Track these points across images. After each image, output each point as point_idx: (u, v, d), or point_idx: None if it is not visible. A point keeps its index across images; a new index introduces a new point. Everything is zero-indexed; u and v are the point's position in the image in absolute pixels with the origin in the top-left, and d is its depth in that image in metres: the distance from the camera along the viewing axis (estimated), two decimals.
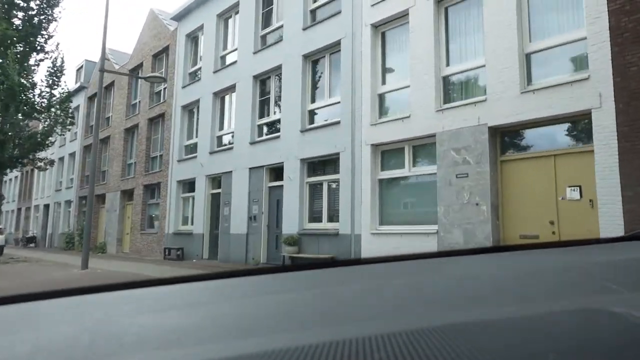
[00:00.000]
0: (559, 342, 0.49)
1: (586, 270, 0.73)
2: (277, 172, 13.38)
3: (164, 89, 19.46)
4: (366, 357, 0.45)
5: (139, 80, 21.36)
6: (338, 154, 11.38)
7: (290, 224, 12.31)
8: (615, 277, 0.69)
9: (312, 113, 12.68)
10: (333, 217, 11.63)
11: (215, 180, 15.81)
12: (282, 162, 12.86)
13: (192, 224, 16.42)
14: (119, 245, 21.15)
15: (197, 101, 16.90)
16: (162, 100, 19.34)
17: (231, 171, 14.68)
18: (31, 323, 0.59)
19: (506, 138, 8.63)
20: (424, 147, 9.86)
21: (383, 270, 0.79)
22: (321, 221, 11.85)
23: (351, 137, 11.07)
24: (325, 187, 11.89)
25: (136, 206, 19.90)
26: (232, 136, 15.15)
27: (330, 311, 0.60)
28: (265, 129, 14.25)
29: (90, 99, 25.92)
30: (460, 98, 9.22)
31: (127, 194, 21.22)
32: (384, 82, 10.87)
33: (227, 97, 15.95)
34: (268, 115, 14.03)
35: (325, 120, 12.07)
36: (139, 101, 21.12)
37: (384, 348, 0.47)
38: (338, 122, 11.47)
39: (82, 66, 28.98)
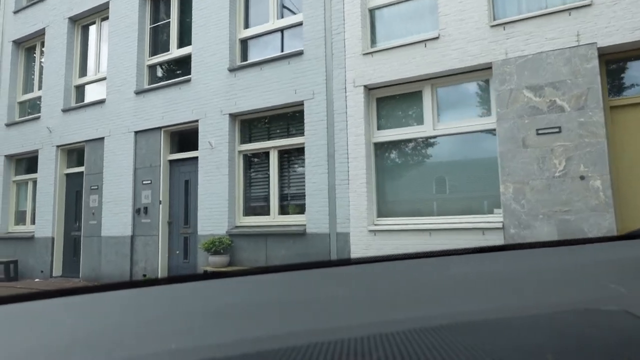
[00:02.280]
0: (558, 341, 0.49)
1: (586, 269, 0.72)
2: (185, 136, 8.49)
3: None
4: (364, 357, 0.45)
5: None
6: (301, 103, 7.05)
7: (212, 220, 7.63)
8: (614, 276, 0.68)
9: (245, 43, 8.09)
10: (290, 207, 7.28)
11: (74, 154, 10.16)
12: (196, 121, 8.05)
13: (33, 222, 10.48)
14: None
15: (41, 32, 10.90)
16: None
17: (103, 138, 9.29)
18: (31, 323, 0.57)
19: (624, 69, 5.27)
20: (462, 88, 6.09)
21: (380, 270, 0.75)
22: (268, 214, 7.40)
23: (325, 75, 6.83)
24: (274, 158, 7.46)
25: None
26: (104, 85, 9.69)
27: (328, 311, 0.59)
28: (162, 71, 9.18)
29: None
30: (539, 5, 5.62)
31: None
32: None
33: (93, 26, 10.34)
34: (167, 50, 8.98)
35: (276, 53, 7.60)
36: None
37: (382, 347, 0.47)
38: (300, 54, 7.12)
39: None
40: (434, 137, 6.15)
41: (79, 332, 0.53)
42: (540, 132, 5.27)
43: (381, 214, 6.39)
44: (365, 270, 0.75)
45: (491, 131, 5.74)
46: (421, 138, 6.24)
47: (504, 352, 0.48)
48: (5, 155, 11.06)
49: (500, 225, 5.38)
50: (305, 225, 6.76)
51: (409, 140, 6.34)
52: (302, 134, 7.11)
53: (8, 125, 11.12)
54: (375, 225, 6.27)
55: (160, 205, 8.36)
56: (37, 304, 0.62)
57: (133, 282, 0.68)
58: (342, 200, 6.46)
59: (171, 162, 8.54)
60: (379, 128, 6.57)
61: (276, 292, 0.67)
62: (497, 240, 5.34)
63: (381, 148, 6.54)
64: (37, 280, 9.76)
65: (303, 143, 7.00)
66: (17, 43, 11.50)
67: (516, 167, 5.37)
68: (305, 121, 6.96)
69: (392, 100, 6.54)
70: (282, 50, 7.53)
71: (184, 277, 0.70)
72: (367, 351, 0.47)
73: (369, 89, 6.56)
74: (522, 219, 5.28)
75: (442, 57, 5.95)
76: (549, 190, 5.17)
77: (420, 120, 6.27)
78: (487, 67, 5.71)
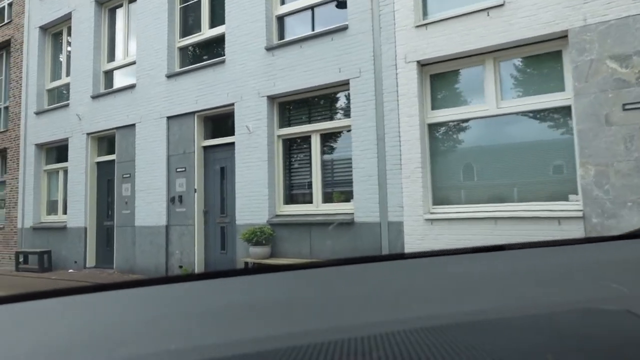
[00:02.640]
0: (558, 341, 0.49)
1: (586, 269, 0.72)
2: (220, 121, 8.09)
3: (9, 4, 12.53)
4: (365, 356, 0.45)
5: None
6: (347, 83, 6.53)
7: (251, 209, 7.23)
8: (615, 276, 0.68)
9: (281, 20, 7.58)
10: (335, 195, 6.82)
11: (105, 141, 9.89)
12: (232, 104, 7.62)
13: (65, 212, 10.30)
14: None
15: (68, 17, 10.59)
16: (5, 21, 12.40)
17: (134, 124, 8.96)
18: (31, 323, 0.57)
19: None
20: (530, 61, 5.49)
21: (380, 270, 0.75)
22: (311, 202, 6.96)
23: (373, 52, 6.29)
24: (316, 142, 6.98)
25: None
26: (134, 69, 9.33)
27: (329, 311, 0.59)
28: (193, 53, 8.76)
29: None
30: None
31: None
32: None
33: (120, 9, 9.96)
34: (199, 30, 8.55)
35: (317, 30, 7.07)
36: None
37: (382, 347, 0.47)
38: (344, 29, 6.59)
39: None
40: (497, 116, 5.57)
41: (79, 332, 0.53)
42: (627, 107, 4.65)
43: (437, 201, 5.87)
44: (365, 270, 0.74)
45: (565, 108, 5.13)
46: (482, 117, 5.67)
47: (504, 352, 0.47)
48: (36, 144, 10.88)
49: (579, 214, 4.81)
50: (353, 214, 6.29)
51: (468, 121, 5.78)
52: (347, 115, 6.61)
53: (37, 113, 10.91)
54: (432, 213, 5.77)
55: (196, 194, 8.01)
56: (37, 304, 0.61)
57: (132, 281, 0.67)
58: (394, 187, 5.96)
59: (206, 148, 8.15)
60: (433, 108, 6.02)
61: (276, 292, 0.67)
62: (576, 231, 4.78)
63: (436, 129, 6.00)
64: (70, 270, 9.58)
65: (349, 126, 6.51)
66: (44, 29, 11.23)
67: (598, 148, 4.78)
68: (351, 102, 6.45)
69: (448, 77, 5.98)
70: (321, 27, 6.99)
71: (182, 277, 0.70)
72: (367, 351, 0.46)
73: (422, 64, 6.00)
74: (607, 207, 4.70)
75: (509, 26, 5.34)
76: (639, 174, 4.57)
77: (480, 98, 5.70)
78: (562, 36, 5.09)
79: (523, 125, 5.47)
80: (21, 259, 10.26)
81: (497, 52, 5.55)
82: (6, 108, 12.15)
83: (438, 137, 5.99)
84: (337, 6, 7.00)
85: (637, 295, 0.60)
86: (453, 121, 5.87)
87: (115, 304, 0.63)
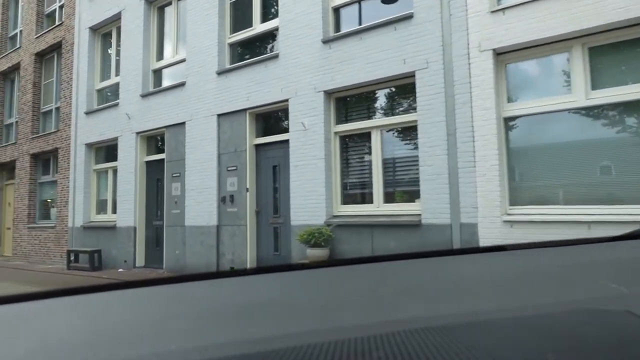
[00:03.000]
0: (558, 341, 0.49)
1: (586, 269, 0.71)
2: (272, 118, 7.82)
3: (60, 6, 12.71)
4: (364, 356, 0.45)
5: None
6: (412, 75, 6.11)
7: (307, 209, 6.91)
8: (615, 276, 0.67)
9: (337, 12, 7.23)
10: (397, 195, 6.41)
11: (154, 140, 9.81)
12: (286, 100, 7.33)
13: (114, 211, 10.28)
14: None
15: (117, 17, 10.59)
16: (57, 23, 12.58)
17: (184, 122, 8.81)
18: (31, 323, 0.57)
19: None
20: (625, 46, 4.92)
21: (382, 270, 0.75)
22: (371, 202, 6.57)
23: (442, 41, 5.85)
24: (377, 139, 6.59)
25: (20, 187, 13.08)
26: (183, 67, 9.18)
27: (329, 311, 0.58)
28: (243, 49, 8.53)
29: None
30: None
31: (6, 169, 14.22)
32: None
33: (170, 7, 9.86)
34: (250, 25, 8.31)
35: (378, 20, 6.67)
36: (21, 30, 14.04)
37: (382, 348, 0.46)
38: (409, 17, 6.17)
39: None
40: (587, 108, 5.03)
41: (79, 332, 0.53)
42: None
43: (517, 201, 5.38)
44: (366, 270, 0.74)
45: None
46: (568, 110, 5.14)
47: (504, 352, 0.47)
48: (86, 144, 10.93)
49: None
50: (420, 215, 5.86)
51: (552, 113, 5.25)
52: (412, 110, 6.19)
53: (87, 113, 10.96)
54: (510, 214, 5.28)
55: (247, 193, 7.76)
56: (37, 304, 0.61)
57: (132, 282, 0.65)
58: (467, 186, 5.50)
59: (257, 146, 7.89)
60: (510, 100, 5.53)
61: (276, 292, 0.66)
62: None
63: (514, 124, 5.50)
64: (120, 270, 9.54)
65: (414, 121, 6.08)
66: (94, 30, 11.30)
67: None
68: (417, 95, 6.03)
69: (528, 66, 5.47)
70: (382, 17, 6.59)
71: (184, 277, 0.68)
72: (368, 351, 0.46)
73: (497, 53, 5.52)
74: None
75: (601, 8, 4.80)
76: None
77: (566, 89, 5.17)
78: None
79: (615, 117, 4.92)
80: (72, 258, 10.33)
81: (586, 37, 5.02)
82: (57, 109, 12.31)
83: (516, 131, 5.49)
84: (384, 1, 6.65)
85: (637, 295, 0.59)
86: (534, 114, 5.36)
87: (115, 304, 0.63)
